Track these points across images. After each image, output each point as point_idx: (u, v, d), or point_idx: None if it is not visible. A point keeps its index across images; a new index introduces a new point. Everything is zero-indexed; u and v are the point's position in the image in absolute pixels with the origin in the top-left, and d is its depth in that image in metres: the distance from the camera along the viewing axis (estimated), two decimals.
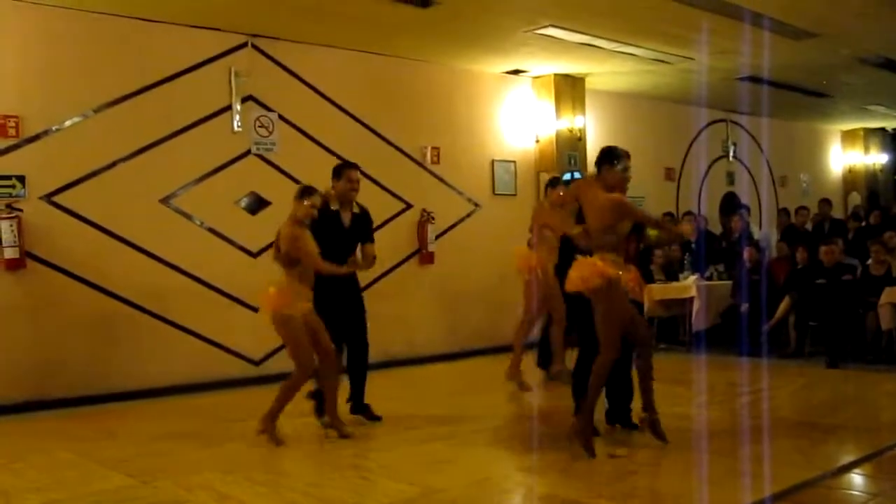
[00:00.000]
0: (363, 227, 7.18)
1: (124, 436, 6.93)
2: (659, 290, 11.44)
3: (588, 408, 5.76)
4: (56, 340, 8.20)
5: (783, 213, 14.32)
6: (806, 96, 14.32)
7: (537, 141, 12.26)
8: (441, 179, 11.17)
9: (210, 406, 8.21)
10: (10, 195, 8.01)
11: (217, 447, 6.39)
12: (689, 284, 11.21)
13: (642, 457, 5.88)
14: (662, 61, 11.46)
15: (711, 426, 6.70)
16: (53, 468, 5.86)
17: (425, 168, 11.06)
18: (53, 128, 8.31)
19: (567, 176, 9.03)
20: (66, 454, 6.26)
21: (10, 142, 8.06)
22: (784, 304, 10.29)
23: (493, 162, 11.79)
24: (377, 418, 7.06)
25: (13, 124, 8.03)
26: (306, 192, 6.37)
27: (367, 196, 10.34)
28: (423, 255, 10.92)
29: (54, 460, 6.09)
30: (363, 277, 10.12)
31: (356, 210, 7.15)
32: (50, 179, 8.28)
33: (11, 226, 7.90)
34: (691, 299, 11.04)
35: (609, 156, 6.09)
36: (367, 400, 7.13)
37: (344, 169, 7.08)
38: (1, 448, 6.47)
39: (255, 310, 9.27)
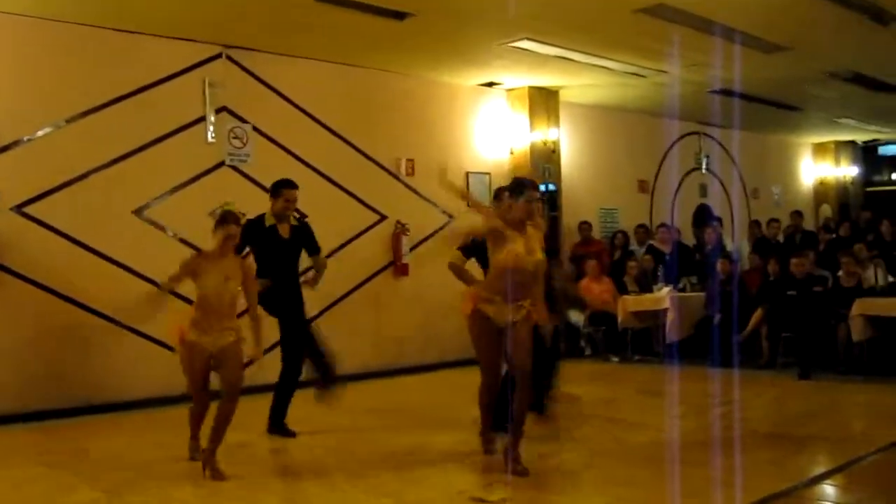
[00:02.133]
0: (305, 237, 7.28)
1: (96, 449, 6.85)
2: (633, 302, 11.52)
3: (483, 422, 6.22)
4: (27, 353, 8.10)
5: (755, 225, 14.44)
6: (777, 109, 14.46)
7: (512, 153, 12.30)
8: (415, 191, 11.16)
9: (183, 419, 8.10)
10: None
11: (189, 461, 6.33)
12: (663, 296, 11.28)
13: (618, 469, 5.90)
14: (636, 74, 11.54)
15: (685, 437, 6.73)
16: (23, 483, 5.78)
17: (400, 180, 11.06)
18: (25, 138, 8.24)
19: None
20: (37, 468, 6.18)
21: None
22: (756, 316, 10.37)
23: (467, 174, 11.80)
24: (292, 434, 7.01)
25: None
26: (219, 222, 6.01)
27: (341, 207, 10.42)
28: (397, 266, 10.91)
29: (25, 474, 6.00)
30: (338, 288, 10.18)
31: (294, 223, 7.23)
32: (21, 190, 8.20)
33: None
34: (665, 311, 11.11)
35: (513, 188, 5.96)
36: (346, 410, 7.15)
37: (282, 188, 7.12)
38: None
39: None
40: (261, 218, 7.08)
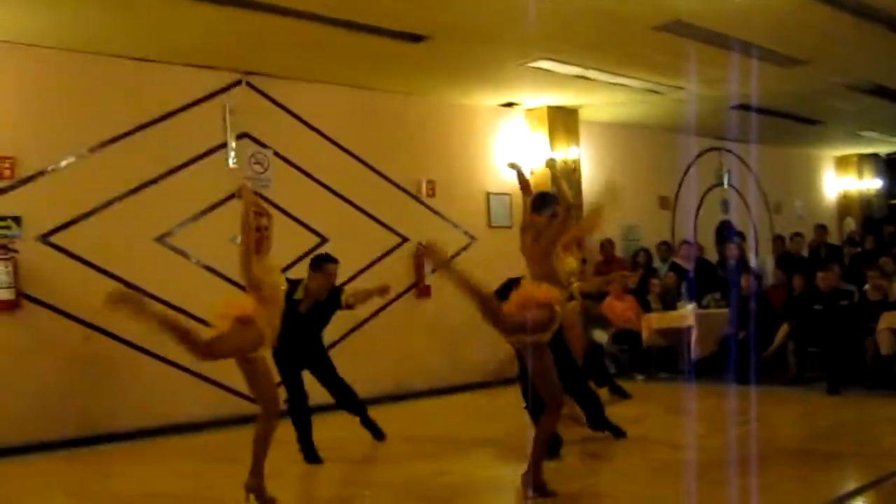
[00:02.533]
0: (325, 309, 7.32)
1: (119, 477, 6.88)
2: (656, 319, 11.45)
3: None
4: (52, 381, 8.14)
5: (779, 240, 14.34)
6: (798, 123, 14.39)
7: (532, 173, 12.27)
8: (436, 212, 11.18)
9: (209, 445, 8.16)
10: (6, 236, 8.01)
11: (216, 488, 6.34)
12: (687, 313, 11.21)
13: (645, 488, 5.85)
14: (654, 91, 11.53)
15: (712, 455, 6.67)
16: None
17: (420, 201, 11.08)
18: (49, 168, 8.32)
19: None
20: (60, 496, 6.21)
21: (6, 183, 8.06)
22: (782, 331, 10.29)
23: (488, 194, 11.81)
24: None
25: (8, 165, 8.05)
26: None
27: (363, 230, 10.45)
28: (420, 288, 10.91)
29: (47, 502, 6.03)
30: (361, 311, 10.20)
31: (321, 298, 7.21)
32: (46, 219, 8.28)
33: (7, 267, 7.88)
34: (689, 328, 11.04)
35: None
36: (365, 431, 7.22)
37: (323, 262, 7.19)
38: None
39: None
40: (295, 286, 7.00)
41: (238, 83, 9.56)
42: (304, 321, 7.15)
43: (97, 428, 8.31)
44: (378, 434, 7.66)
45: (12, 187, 8.11)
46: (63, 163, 8.41)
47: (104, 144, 8.65)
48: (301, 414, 7.07)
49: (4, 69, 8.17)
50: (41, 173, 8.28)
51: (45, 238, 8.26)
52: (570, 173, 12.26)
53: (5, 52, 8.14)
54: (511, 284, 5.91)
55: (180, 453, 7.82)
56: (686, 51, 9.53)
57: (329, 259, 7.25)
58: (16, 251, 8.00)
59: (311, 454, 6.99)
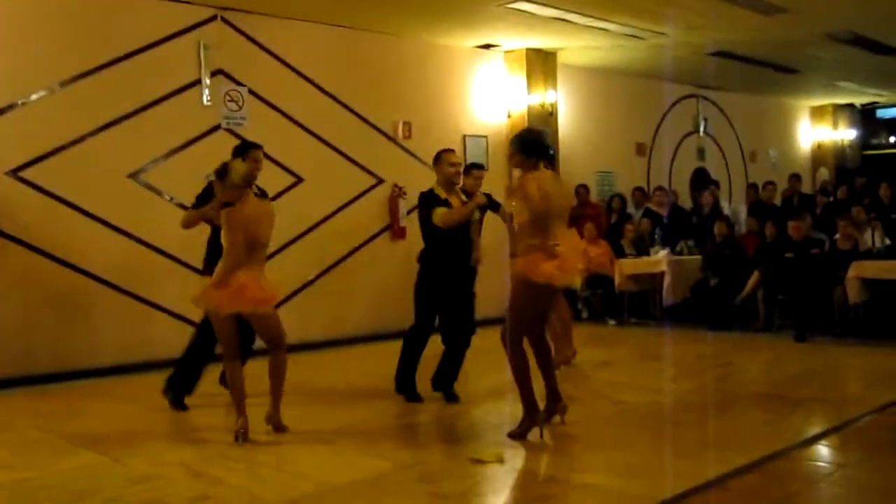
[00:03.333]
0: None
1: (93, 413, 6.88)
2: (629, 265, 11.54)
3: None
4: (23, 317, 8.11)
5: (752, 188, 14.42)
6: (776, 72, 14.38)
7: (509, 116, 12.25)
8: (413, 154, 11.12)
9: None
10: None
11: (188, 423, 6.37)
12: (660, 259, 11.30)
13: (614, 431, 5.94)
14: (634, 36, 11.46)
15: (681, 399, 6.78)
16: (22, 446, 5.82)
17: (397, 143, 11.02)
18: (19, 102, 8.19)
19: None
20: (35, 432, 6.21)
21: None
22: (753, 279, 10.39)
23: (464, 137, 11.76)
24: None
25: None
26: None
27: (338, 171, 10.39)
28: (394, 230, 10.90)
29: (23, 438, 6.04)
30: (335, 251, 10.20)
31: (255, 191, 7.00)
32: (16, 154, 8.16)
33: None
34: (662, 274, 11.14)
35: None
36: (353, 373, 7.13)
37: (249, 149, 6.84)
38: None
39: None
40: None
41: (214, 18, 9.40)
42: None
43: (69, 364, 8.30)
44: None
45: None
46: (34, 96, 8.27)
47: (76, 79, 8.50)
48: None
49: None
50: (11, 107, 8.14)
51: (15, 173, 8.15)
52: (547, 117, 12.24)
53: None
54: None
55: (153, 390, 7.81)
56: None
57: (254, 145, 7.00)
58: None
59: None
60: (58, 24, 8.43)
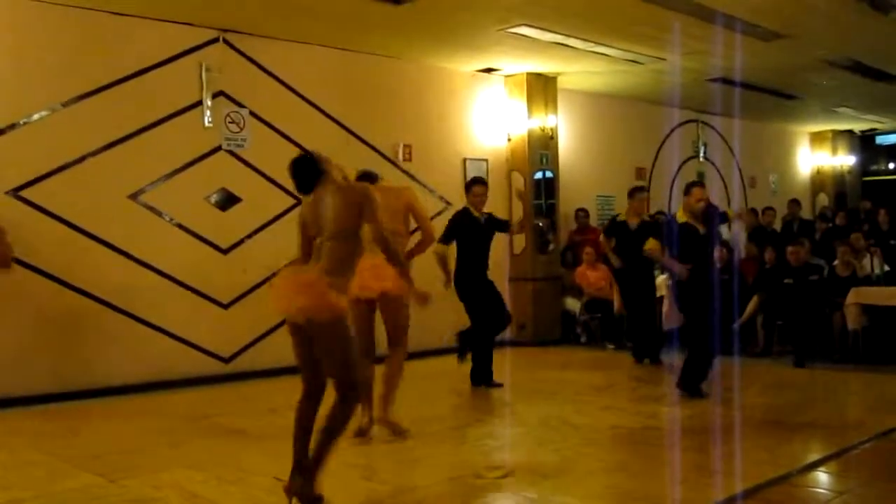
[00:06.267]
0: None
1: (90, 434, 6.86)
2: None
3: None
4: (21, 337, 8.08)
5: (752, 213, 14.43)
6: (776, 98, 14.45)
7: (509, 139, 12.28)
8: (413, 177, 11.14)
9: (179, 404, 8.15)
10: None
11: (186, 445, 6.34)
12: (660, 284, 11.28)
13: (612, 455, 5.92)
14: (635, 62, 11.52)
15: (680, 424, 6.74)
16: (19, 466, 5.79)
17: (397, 166, 11.04)
18: (21, 121, 8.21)
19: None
20: (32, 452, 6.19)
21: None
22: (752, 304, 10.39)
23: (464, 160, 11.79)
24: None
25: None
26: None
27: None
28: None
29: (19, 458, 6.02)
30: None
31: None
32: (17, 174, 8.17)
33: None
34: (660, 298, 11.11)
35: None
36: None
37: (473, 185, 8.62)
38: None
39: (224, 307, 9.31)
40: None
41: (216, 40, 9.45)
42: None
43: (66, 385, 8.27)
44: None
45: None
46: (35, 116, 8.30)
47: (78, 99, 8.54)
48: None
49: None
50: (13, 126, 8.17)
51: (15, 192, 8.16)
52: (547, 141, 12.27)
53: None
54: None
55: (151, 411, 7.81)
56: (668, 22, 9.53)
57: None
58: None
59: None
60: (60, 44, 8.47)
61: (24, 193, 8.20)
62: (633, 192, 10.28)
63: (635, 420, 7.00)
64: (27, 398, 7.94)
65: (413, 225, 6.47)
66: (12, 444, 6.42)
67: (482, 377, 8.52)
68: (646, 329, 9.99)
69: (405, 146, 11.11)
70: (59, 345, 8.34)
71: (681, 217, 7.83)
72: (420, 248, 6.63)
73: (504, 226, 8.86)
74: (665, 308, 11.01)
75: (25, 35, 8.29)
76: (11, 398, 7.88)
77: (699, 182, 8.54)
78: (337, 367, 4.47)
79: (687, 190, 7.95)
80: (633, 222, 10.01)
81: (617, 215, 10.49)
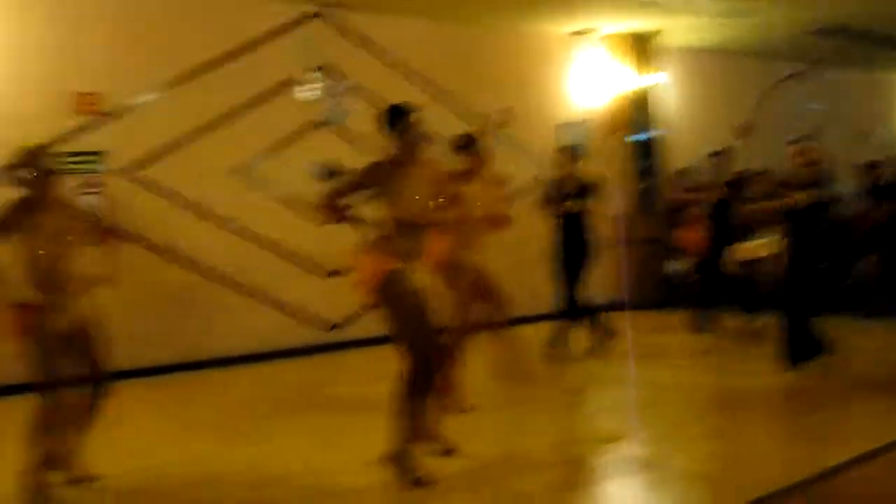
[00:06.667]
0: None
1: (205, 404, 7.14)
2: (737, 250, 11.23)
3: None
4: (137, 311, 8.36)
5: (870, 168, 13.89)
6: (882, 48, 13.84)
7: (609, 100, 12.12)
8: (512, 142, 11.09)
9: (286, 374, 8.40)
10: (92, 171, 8.24)
11: (295, 414, 6.54)
12: (767, 243, 11.01)
13: (721, 420, 5.87)
14: (738, 14, 11.17)
15: (789, 386, 6.63)
16: (143, 435, 6.08)
17: (495, 133, 11.00)
18: (131, 103, 8.50)
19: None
20: (156, 420, 6.48)
21: (93, 118, 8.29)
22: (869, 264, 10.06)
23: (563, 123, 11.68)
24: None
25: (93, 101, 8.26)
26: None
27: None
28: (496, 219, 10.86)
29: (142, 427, 6.31)
30: None
31: None
32: (129, 153, 8.47)
33: (94, 200, 8.11)
34: (764, 259, 10.85)
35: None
36: None
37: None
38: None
39: (328, 277, 9.48)
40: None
41: (315, 15, 9.58)
42: None
43: (179, 356, 8.56)
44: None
45: (99, 122, 8.32)
46: (145, 98, 8.58)
47: (184, 79, 8.78)
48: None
49: (89, 6, 8.35)
50: (126, 108, 8.46)
51: (127, 172, 8.47)
52: (649, 100, 12.06)
53: None
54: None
55: (261, 381, 8.06)
56: None
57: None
58: (101, 185, 8.24)
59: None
60: (164, 28, 8.72)
61: (135, 173, 8.51)
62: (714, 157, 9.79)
63: (746, 380, 6.91)
64: (144, 369, 8.24)
65: None
66: (138, 414, 6.71)
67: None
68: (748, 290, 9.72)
69: (503, 112, 11.07)
70: (170, 318, 8.62)
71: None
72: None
73: (590, 191, 8.40)
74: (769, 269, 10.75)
75: (134, 21, 8.57)
76: (130, 370, 8.22)
77: (798, 139, 8.04)
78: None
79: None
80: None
81: None
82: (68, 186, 6.27)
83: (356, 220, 4.83)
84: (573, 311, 8.35)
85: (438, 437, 5.14)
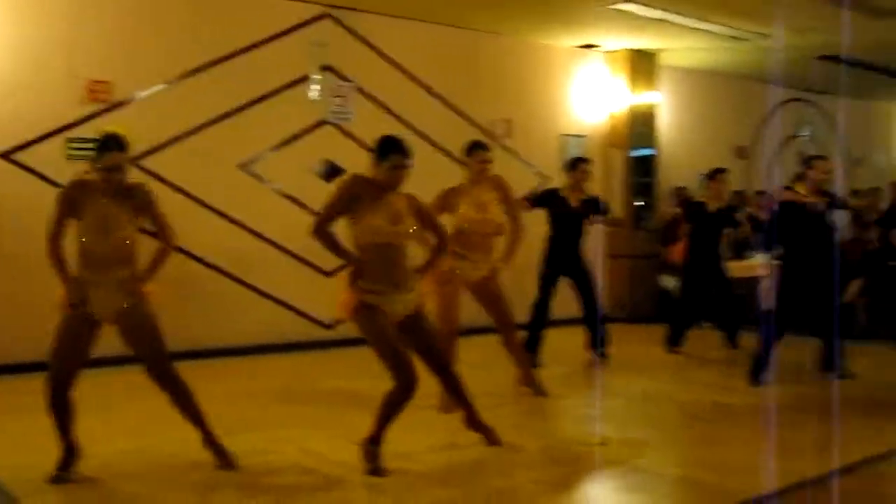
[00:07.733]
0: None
1: (206, 393, 7.07)
2: (735, 268, 11.35)
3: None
4: None
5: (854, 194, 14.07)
6: (882, 75, 14.03)
7: (610, 116, 12.26)
8: (512, 153, 11.22)
9: (285, 366, 8.45)
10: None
11: (296, 405, 6.61)
12: (758, 263, 11.15)
13: (714, 430, 5.96)
14: (739, 38, 11.34)
15: (778, 402, 6.72)
16: (138, 417, 6.17)
17: (496, 141, 11.12)
18: (138, 95, 8.58)
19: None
20: (150, 405, 6.51)
21: (100, 107, 8.36)
22: (856, 286, 10.20)
23: (563, 136, 11.82)
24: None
25: (105, 89, 8.34)
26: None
27: (439, 167, 10.53)
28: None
29: (138, 410, 6.35)
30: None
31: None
32: (134, 145, 8.50)
33: None
34: (760, 278, 10.98)
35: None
36: None
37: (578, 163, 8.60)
38: (90, 399, 6.74)
39: (327, 274, 9.56)
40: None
41: (323, 16, 9.68)
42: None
43: (175, 346, 8.58)
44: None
45: (106, 111, 8.40)
46: (153, 89, 8.66)
47: (191, 73, 8.86)
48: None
49: None
50: (131, 99, 8.54)
51: (134, 162, 8.53)
52: (648, 118, 12.21)
53: None
54: None
55: (257, 373, 8.10)
56: None
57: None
58: None
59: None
60: (173, 22, 8.82)
61: (142, 163, 8.57)
62: (713, 175, 9.62)
63: (735, 397, 7.01)
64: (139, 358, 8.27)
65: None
66: (132, 398, 6.74)
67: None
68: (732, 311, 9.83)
69: (505, 121, 11.20)
70: (169, 308, 8.65)
71: (796, 193, 7.59)
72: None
73: (599, 209, 8.67)
74: (764, 287, 10.87)
75: (144, 12, 8.65)
76: (128, 357, 8.24)
77: (822, 156, 7.93)
78: None
79: (808, 164, 7.65)
80: (714, 205, 9.51)
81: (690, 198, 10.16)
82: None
83: (345, 253, 5.20)
84: (540, 321, 8.43)
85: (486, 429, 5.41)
